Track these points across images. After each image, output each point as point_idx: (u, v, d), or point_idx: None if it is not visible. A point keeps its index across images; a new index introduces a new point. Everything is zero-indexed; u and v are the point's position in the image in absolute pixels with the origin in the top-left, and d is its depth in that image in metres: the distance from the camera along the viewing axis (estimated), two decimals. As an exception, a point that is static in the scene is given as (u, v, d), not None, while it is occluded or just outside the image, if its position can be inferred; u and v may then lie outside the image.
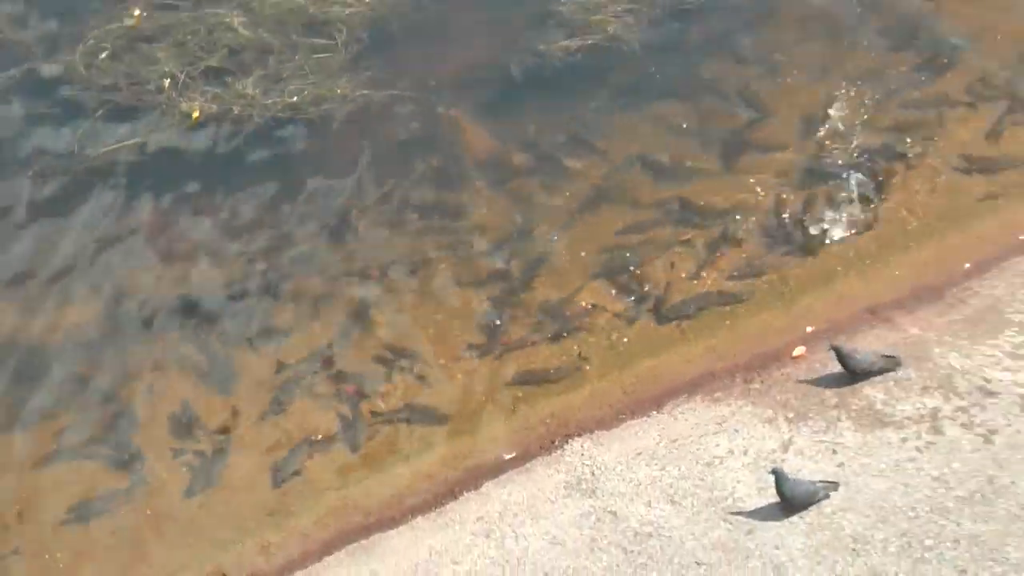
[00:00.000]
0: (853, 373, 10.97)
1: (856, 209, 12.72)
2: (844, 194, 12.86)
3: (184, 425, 11.42)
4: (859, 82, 14.01)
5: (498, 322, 12.05)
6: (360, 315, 12.21)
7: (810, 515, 10.03)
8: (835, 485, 10.10)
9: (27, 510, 10.95)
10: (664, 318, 11.95)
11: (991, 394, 10.81)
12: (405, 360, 11.81)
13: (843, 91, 13.86)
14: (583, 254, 12.51)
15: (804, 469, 10.38)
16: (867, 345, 11.38)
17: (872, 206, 12.80)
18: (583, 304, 12.17)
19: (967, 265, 12.19)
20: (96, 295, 12.30)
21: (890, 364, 11.01)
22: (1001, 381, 10.91)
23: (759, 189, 12.95)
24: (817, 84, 14.00)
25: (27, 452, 11.26)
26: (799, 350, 11.48)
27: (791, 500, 9.95)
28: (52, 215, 12.95)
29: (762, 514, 10.07)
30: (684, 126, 13.64)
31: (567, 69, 13.87)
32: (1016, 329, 11.38)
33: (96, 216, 12.84)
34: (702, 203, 13.01)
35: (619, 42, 14.06)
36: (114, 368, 11.83)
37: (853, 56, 14.38)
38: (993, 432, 10.46)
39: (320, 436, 11.39)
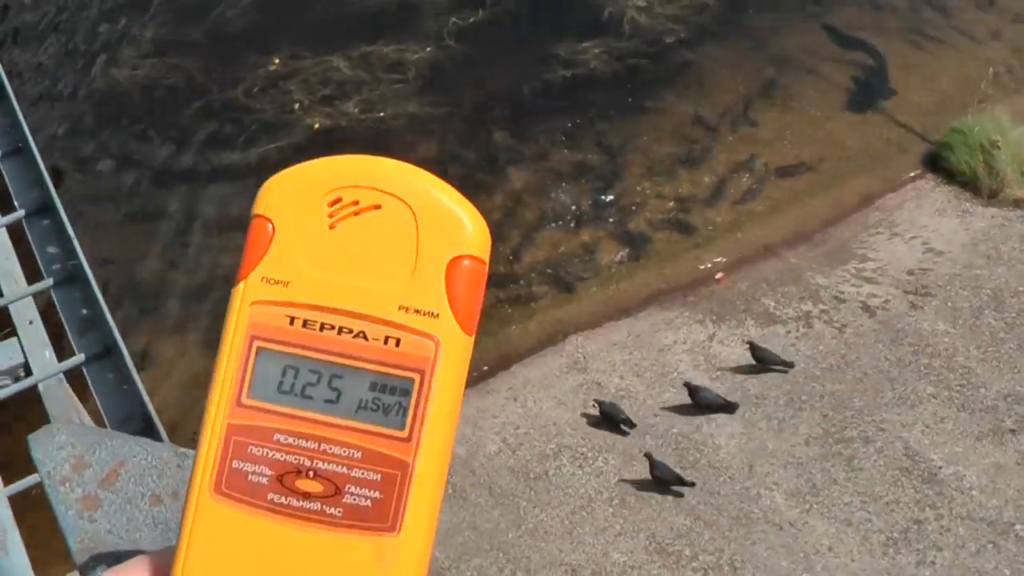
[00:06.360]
0: (698, 406, 9.83)
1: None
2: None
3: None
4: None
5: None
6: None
7: (728, 381, 10.35)
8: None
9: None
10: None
11: (843, 301, 11.10)
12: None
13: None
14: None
15: (724, 352, 10.67)
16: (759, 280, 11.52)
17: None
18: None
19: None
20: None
21: (728, 407, 9.86)
22: (849, 293, 11.20)
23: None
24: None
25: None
26: (719, 275, 11.62)
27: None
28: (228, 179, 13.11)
29: (698, 382, 10.25)
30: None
31: (563, 90, 13.91)
32: (857, 260, 11.61)
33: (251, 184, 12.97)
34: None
35: (598, 73, 14.06)
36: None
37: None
38: (844, 326, 10.80)
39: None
